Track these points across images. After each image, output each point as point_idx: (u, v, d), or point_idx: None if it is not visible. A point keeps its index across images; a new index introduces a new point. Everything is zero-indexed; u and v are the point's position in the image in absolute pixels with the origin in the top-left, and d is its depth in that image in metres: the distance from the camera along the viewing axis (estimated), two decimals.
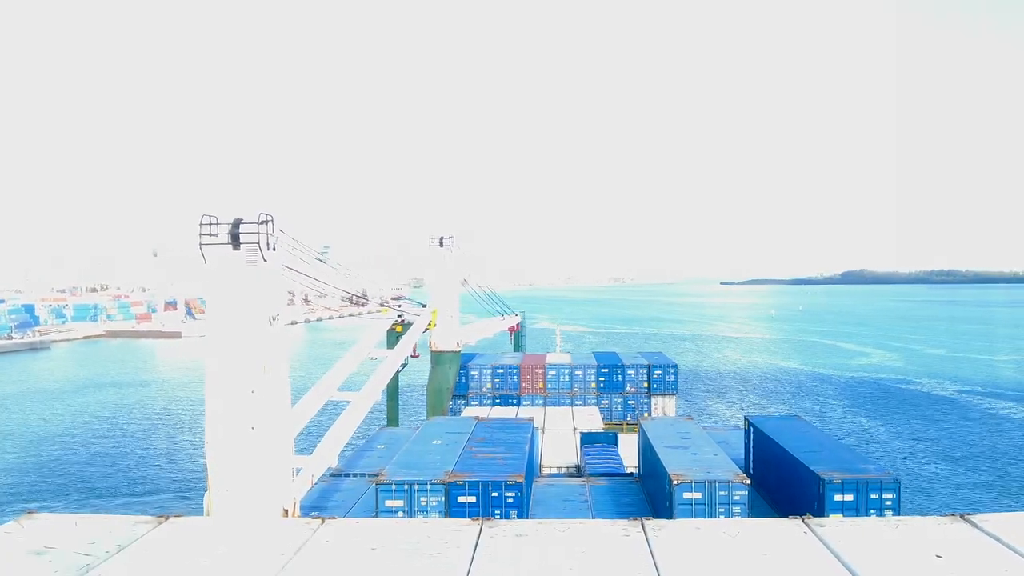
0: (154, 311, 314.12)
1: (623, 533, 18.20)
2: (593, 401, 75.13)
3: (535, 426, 45.60)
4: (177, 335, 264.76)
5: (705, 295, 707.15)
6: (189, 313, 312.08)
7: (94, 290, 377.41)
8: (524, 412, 61.03)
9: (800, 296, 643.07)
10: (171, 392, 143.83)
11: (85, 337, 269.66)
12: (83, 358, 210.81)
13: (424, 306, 69.64)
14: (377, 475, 33.60)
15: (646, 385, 75.98)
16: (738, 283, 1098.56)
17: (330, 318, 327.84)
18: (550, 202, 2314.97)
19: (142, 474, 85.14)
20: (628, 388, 76.11)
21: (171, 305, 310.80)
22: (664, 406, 75.33)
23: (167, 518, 19.18)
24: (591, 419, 60.78)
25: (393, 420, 70.33)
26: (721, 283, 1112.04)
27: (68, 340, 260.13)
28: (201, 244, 28.67)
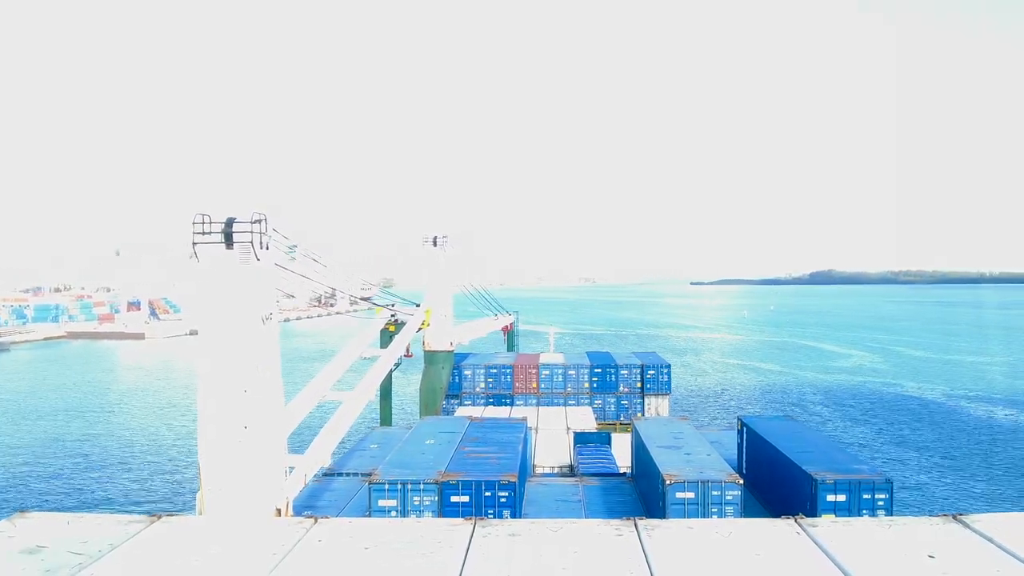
0: (117, 312, 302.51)
1: (616, 533, 18.21)
2: (586, 401, 75.14)
3: (528, 426, 45.62)
4: (140, 336, 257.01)
5: (679, 295, 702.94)
6: (153, 313, 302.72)
7: (58, 290, 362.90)
8: (517, 412, 61.00)
9: (770, 297, 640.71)
10: (137, 394, 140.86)
11: (46, 338, 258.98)
12: (45, 360, 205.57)
13: (417, 305, 69.61)
14: (370, 474, 33.58)
15: (639, 385, 76.06)
16: (708, 283, 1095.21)
17: (298, 319, 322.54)
18: (520, 203, 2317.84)
19: (115, 476, 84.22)
20: (621, 388, 76.20)
21: (134, 306, 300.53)
22: (657, 406, 75.41)
23: (159, 517, 19.12)
24: (584, 419, 60.78)
25: (386, 420, 70.32)
26: (691, 283, 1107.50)
27: (28, 341, 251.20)
28: (194, 243, 28.62)
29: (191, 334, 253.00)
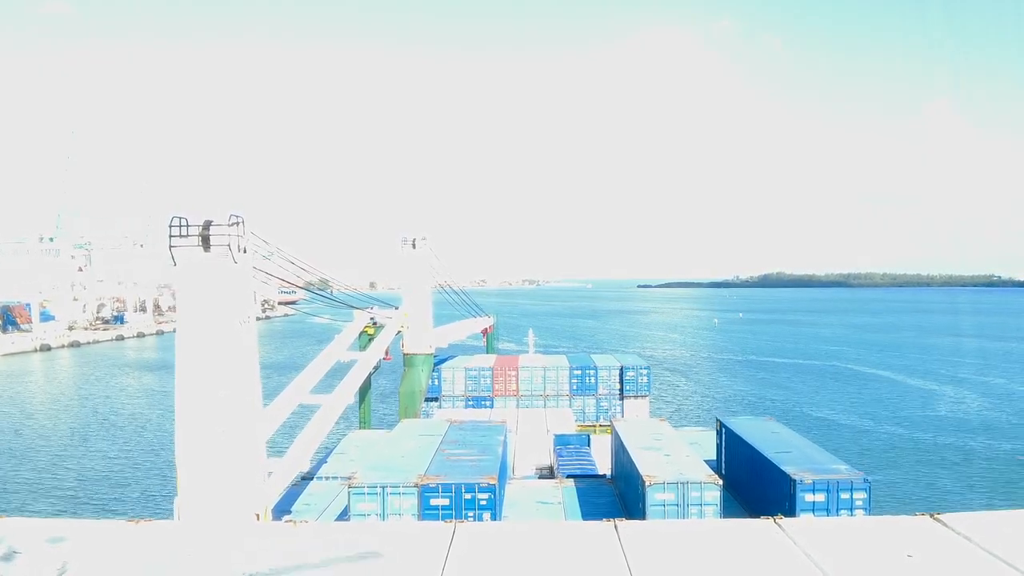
0: None
1: (596, 534, 18.23)
2: (566, 403, 75.32)
3: (508, 428, 45.50)
4: None
5: (631, 299, 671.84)
6: (11, 323, 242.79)
7: None
8: (497, 414, 60.97)
9: (726, 299, 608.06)
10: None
11: None
12: None
13: (396, 308, 69.43)
14: (349, 478, 33.39)
15: (619, 387, 76.33)
16: (655, 285, 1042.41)
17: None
18: (460, 201, 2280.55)
19: None
20: (601, 390, 76.44)
21: None
22: (637, 408, 75.63)
23: (137, 522, 18.95)
24: (564, 421, 60.83)
25: (365, 423, 70.05)
26: (639, 285, 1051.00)
27: None
28: (171, 246, 28.41)
29: (41, 349, 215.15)
